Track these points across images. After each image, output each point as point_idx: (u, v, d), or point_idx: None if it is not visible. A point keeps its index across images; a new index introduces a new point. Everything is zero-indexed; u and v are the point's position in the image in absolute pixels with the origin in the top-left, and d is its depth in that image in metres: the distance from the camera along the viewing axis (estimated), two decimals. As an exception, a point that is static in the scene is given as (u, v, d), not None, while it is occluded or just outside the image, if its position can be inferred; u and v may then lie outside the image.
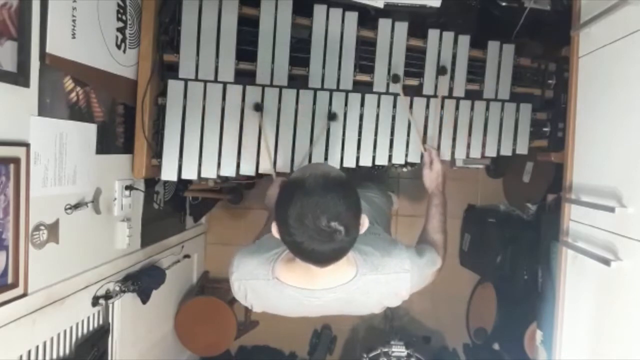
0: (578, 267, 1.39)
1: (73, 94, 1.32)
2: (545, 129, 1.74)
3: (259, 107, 1.58)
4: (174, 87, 1.57)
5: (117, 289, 1.59)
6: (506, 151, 1.73)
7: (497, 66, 1.71)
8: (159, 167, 1.59)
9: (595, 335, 1.29)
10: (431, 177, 1.50)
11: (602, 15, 1.30)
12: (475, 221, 2.63)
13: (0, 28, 1.05)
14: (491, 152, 1.72)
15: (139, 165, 1.58)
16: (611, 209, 1.18)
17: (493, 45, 1.71)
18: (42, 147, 1.20)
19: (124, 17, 1.52)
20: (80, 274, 1.40)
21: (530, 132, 1.73)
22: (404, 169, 2.02)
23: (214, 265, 2.71)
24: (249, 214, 2.65)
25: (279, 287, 1.12)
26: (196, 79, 1.57)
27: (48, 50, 1.18)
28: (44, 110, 1.20)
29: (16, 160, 1.11)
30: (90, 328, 1.49)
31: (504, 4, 1.84)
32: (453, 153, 1.71)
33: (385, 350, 2.28)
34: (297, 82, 1.63)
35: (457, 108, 1.70)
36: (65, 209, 1.31)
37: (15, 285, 1.12)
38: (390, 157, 1.67)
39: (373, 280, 1.12)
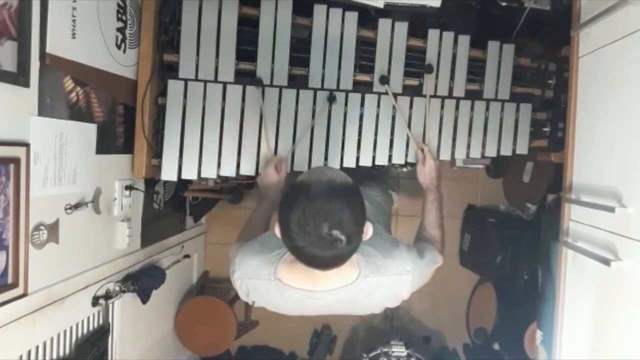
0: (578, 267, 1.39)
1: (73, 94, 1.32)
2: (545, 129, 1.74)
3: (260, 83, 1.57)
4: (174, 87, 1.57)
5: (117, 289, 1.59)
6: (506, 151, 1.73)
7: (497, 66, 1.71)
8: (159, 167, 1.59)
9: (595, 335, 1.29)
10: (424, 173, 1.51)
11: (602, 15, 1.30)
12: (475, 221, 2.63)
13: (0, 28, 1.05)
14: (491, 152, 1.72)
15: (139, 165, 1.58)
16: (611, 209, 1.18)
17: (493, 45, 1.71)
18: (42, 147, 1.20)
19: (124, 17, 1.52)
20: (80, 274, 1.40)
21: (530, 132, 1.73)
22: (404, 169, 2.02)
23: (214, 265, 2.71)
24: (249, 214, 2.64)
25: (281, 288, 1.12)
26: (196, 79, 1.57)
27: (48, 50, 1.18)
28: (44, 110, 1.20)
29: (16, 160, 1.11)
30: (90, 328, 1.49)
31: (504, 4, 1.84)
32: (453, 153, 1.71)
33: (385, 350, 2.28)
34: (297, 82, 1.63)
35: (457, 108, 1.70)
36: (65, 209, 1.30)
37: (15, 285, 1.12)
38: (390, 157, 1.67)
39: (375, 282, 1.12)
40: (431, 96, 1.68)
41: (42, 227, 1.21)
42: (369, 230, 1.02)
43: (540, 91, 1.74)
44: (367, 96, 1.65)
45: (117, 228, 1.60)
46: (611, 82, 1.31)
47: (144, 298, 1.75)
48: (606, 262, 1.18)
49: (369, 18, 1.69)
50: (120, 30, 1.51)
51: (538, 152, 1.81)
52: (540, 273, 2.00)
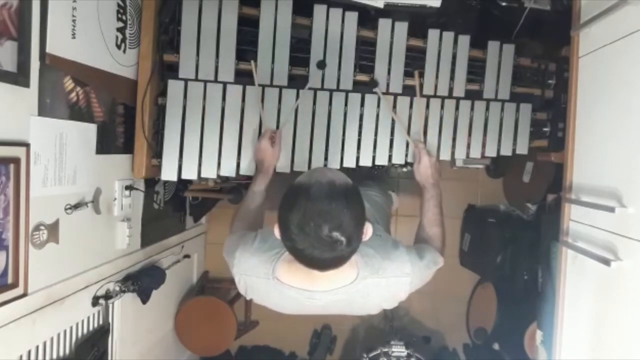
0: (578, 267, 1.39)
1: (73, 94, 1.32)
2: (545, 129, 1.74)
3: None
4: (174, 87, 1.57)
5: (117, 289, 1.59)
6: (506, 151, 1.72)
7: (497, 66, 1.71)
8: (159, 167, 1.59)
9: (595, 335, 1.29)
10: (420, 171, 1.50)
11: (602, 15, 1.30)
12: (475, 221, 2.63)
13: (0, 28, 1.05)
14: (491, 152, 1.72)
15: (139, 165, 1.58)
16: (611, 209, 1.18)
17: (493, 45, 1.71)
18: (42, 147, 1.20)
19: (124, 17, 1.52)
20: (80, 274, 1.40)
21: (530, 132, 1.73)
22: (404, 169, 2.02)
23: (214, 265, 2.71)
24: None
25: (279, 287, 1.12)
26: (196, 79, 1.57)
27: (48, 50, 1.18)
28: (44, 110, 1.20)
29: (16, 160, 1.11)
30: (90, 328, 1.49)
31: (504, 4, 1.84)
32: (453, 153, 1.71)
33: (385, 350, 2.28)
34: (297, 82, 1.63)
35: (457, 108, 1.70)
36: (65, 209, 1.30)
37: (15, 285, 1.12)
38: (390, 157, 1.67)
39: (373, 284, 1.12)
40: (431, 96, 1.68)
41: (42, 227, 1.21)
42: (368, 231, 1.02)
43: (540, 91, 1.74)
44: (367, 96, 1.65)
45: (117, 228, 1.60)
46: (611, 82, 1.31)
47: (144, 298, 1.75)
48: (606, 262, 1.18)
49: (369, 18, 1.69)
50: (120, 30, 1.51)
51: (538, 152, 1.81)
52: (540, 273, 2.00)
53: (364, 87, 1.65)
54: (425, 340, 2.62)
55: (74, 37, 1.29)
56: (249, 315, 2.61)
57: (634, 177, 1.17)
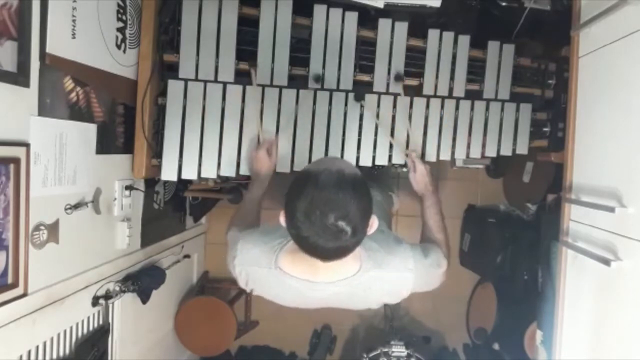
0: (578, 267, 1.39)
1: (73, 94, 1.32)
2: (545, 129, 1.74)
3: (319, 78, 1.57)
4: (174, 87, 1.57)
5: (117, 289, 1.59)
6: (506, 151, 1.72)
7: (497, 66, 1.71)
8: (159, 167, 1.59)
9: (595, 335, 1.29)
10: (417, 180, 1.50)
11: (602, 15, 1.30)
12: (475, 221, 2.63)
13: (0, 28, 1.05)
14: (491, 152, 1.72)
15: (139, 165, 1.58)
16: (611, 209, 1.18)
17: (493, 45, 1.71)
18: (42, 147, 1.20)
19: (124, 17, 1.52)
20: (80, 274, 1.40)
21: (530, 132, 1.73)
22: (404, 169, 2.02)
23: (214, 265, 2.70)
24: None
25: (281, 277, 1.11)
26: (196, 79, 1.57)
27: (48, 50, 1.18)
28: (44, 110, 1.20)
29: (16, 160, 1.11)
30: (90, 328, 1.49)
31: (504, 4, 1.84)
32: (453, 153, 1.71)
33: (385, 350, 2.28)
34: (297, 82, 1.63)
35: (457, 108, 1.70)
36: (65, 209, 1.30)
37: (15, 285, 1.12)
38: (390, 157, 1.67)
39: (375, 277, 1.12)
40: (431, 96, 1.68)
41: (42, 227, 1.21)
42: (374, 224, 1.02)
43: (540, 91, 1.74)
44: (367, 96, 1.65)
45: (117, 228, 1.60)
46: (611, 82, 1.31)
47: (144, 298, 1.75)
48: (606, 262, 1.18)
49: (369, 18, 1.69)
50: (120, 30, 1.51)
51: (538, 152, 1.81)
52: (540, 273, 2.00)
53: (364, 87, 1.65)
54: (425, 340, 2.62)
55: (74, 37, 1.29)
56: (249, 315, 2.61)
57: (634, 177, 1.17)
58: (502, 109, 1.72)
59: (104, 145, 1.48)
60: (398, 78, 1.63)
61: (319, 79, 1.60)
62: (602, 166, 1.33)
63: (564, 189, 1.52)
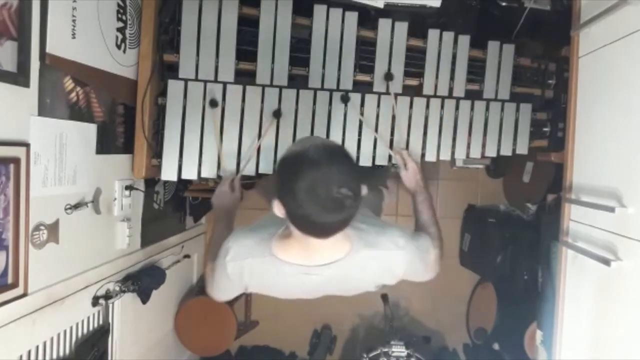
0: (578, 267, 1.39)
1: (73, 94, 1.32)
2: (545, 129, 1.74)
3: (214, 103, 1.56)
4: (174, 87, 1.57)
5: (117, 289, 1.59)
6: (506, 151, 1.73)
7: (497, 66, 1.71)
8: (159, 167, 1.59)
9: (595, 335, 1.29)
10: (409, 177, 1.51)
11: (602, 15, 1.30)
12: (475, 221, 2.63)
13: (0, 28, 1.05)
14: (491, 152, 1.72)
15: (139, 165, 1.58)
16: (611, 209, 1.19)
17: (493, 45, 1.71)
18: (42, 147, 1.20)
19: (124, 17, 1.52)
20: (80, 274, 1.40)
21: (530, 132, 1.73)
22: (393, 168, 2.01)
23: (214, 265, 2.70)
24: (249, 213, 2.64)
25: (276, 264, 1.12)
26: (196, 79, 1.57)
27: (48, 50, 1.18)
28: (44, 110, 1.20)
29: (16, 160, 1.11)
30: (90, 328, 1.49)
31: (504, 4, 1.85)
32: (453, 153, 1.71)
33: (385, 350, 2.28)
34: (297, 82, 1.63)
35: (457, 108, 1.70)
36: (65, 209, 1.30)
37: (15, 285, 1.12)
38: (390, 157, 1.67)
39: (367, 256, 1.13)
40: (431, 96, 1.68)
41: (42, 227, 1.21)
42: (364, 189, 1.04)
43: (540, 91, 1.74)
44: (367, 96, 1.65)
45: (117, 228, 1.60)
46: (611, 82, 1.31)
47: (144, 298, 1.75)
48: (606, 262, 1.18)
49: (369, 18, 1.69)
50: (120, 30, 1.51)
51: (538, 152, 1.81)
52: (540, 273, 2.00)
53: (364, 87, 1.65)
54: (425, 340, 2.62)
55: (74, 37, 1.29)
56: (249, 315, 2.61)
57: (634, 177, 1.17)
58: (502, 109, 1.72)
59: (104, 145, 1.48)
60: (388, 77, 1.63)
61: (278, 114, 1.59)
62: (602, 166, 1.33)
63: (564, 189, 1.52)
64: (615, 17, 1.26)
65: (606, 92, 1.34)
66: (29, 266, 1.15)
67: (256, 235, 1.16)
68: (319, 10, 1.61)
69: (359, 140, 1.65)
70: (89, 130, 1.41)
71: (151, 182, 1.84)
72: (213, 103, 1.56)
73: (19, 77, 1.11)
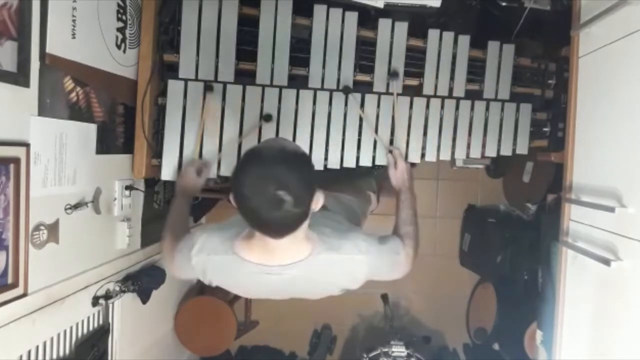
0: (578, 267, 1.39)
1: (73, 94, 1.32)
2: (545, 129, 1.74)
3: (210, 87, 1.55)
4: (174, 87, 1.57)
5: (117, 289, 1.58)
6: (506, 151, 1.73)
7: (497, 66, 1.71)
8: (159, 167, 1.59)
9: (595, 335, 1.29)
10: (397, 176, 1.53)
11: (602, 15, 1.30)
12: (475, 221, 2.63)
13: (0, 28, 1.05)
14: (491, 152, 1.72)
15: (139, 165, 1.58)
16: (611, 209, 1.19)
17: (493, 45, 1.71)
18: (42, 147, 1.20)
19: (124, 17, 1.52)
20: (80, 274, 1.40)
21: (530, 132, 1.73)
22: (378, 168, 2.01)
23: (214, 265, 2.70)
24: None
25: (238, 263, 1.14)
26: (196, 79, 1.57)
27: (48, 50, 1.18)
28: (44, 110, 1.20)
29: (16, 160, 1.11)
30: (90, 328, 1.49)
31: (504, 4, 1.85)
32: (453, 153, 1.71)
33: (385, 350, 2.28)
34: (297, 82, 1.63)
35: (457, 108, 1.70)
36: (65, 209, 1.30)
37: (15, 285, 1.12)
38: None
39: (328, 259, 1.15)
40: (431, 96, 1.68)
41: (42, 227, 1.21)
42: (320, 199, 1.06)
43: (540, 91, 1.74)
44: (367, 96, 1.65)
45: (117, 228, 1.60)
46: (611, 82, 1.31)
47: (144, 298, 1.75)
48: (606, 262, 1.18)
49: (369, 18, 1.69)
50: (120, 30, 1.51)
51: (538, 152, 1.81)
52: (540, 273, 2.00)
53: (364, 87, 1.65)
54: (425, 340, 2.62)
55: (74, 37, 1.29)
56: (249, 315, 2.61)
57: (634, 177, 1.17)
58: (502, 109, 1.72)
59: (104, 145, 1.48)
60: (394, 75, 1.63)
61: (269, 118, 1.59)
62: (602, 166, 1.33)
63: (564, 189, 1.52)
64: (615, 17, 1.26)
65: (606, 92, 1.34)
66: (29, 266, 1.15)
67: (222, 233, 1.19)
68: (319, 10, 1.61)
69: (359, 141, 1.65)
70: (89, 130, 1.41)
71: (151, 182, 1.84)
72: (209, 87, 1.56)
73: (19, 77, 1.11)
